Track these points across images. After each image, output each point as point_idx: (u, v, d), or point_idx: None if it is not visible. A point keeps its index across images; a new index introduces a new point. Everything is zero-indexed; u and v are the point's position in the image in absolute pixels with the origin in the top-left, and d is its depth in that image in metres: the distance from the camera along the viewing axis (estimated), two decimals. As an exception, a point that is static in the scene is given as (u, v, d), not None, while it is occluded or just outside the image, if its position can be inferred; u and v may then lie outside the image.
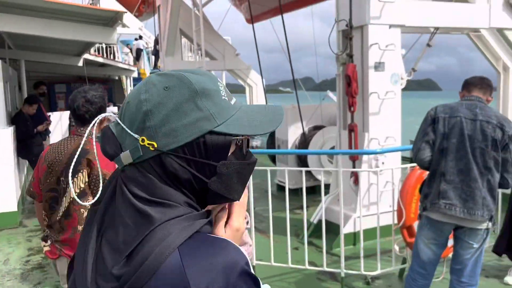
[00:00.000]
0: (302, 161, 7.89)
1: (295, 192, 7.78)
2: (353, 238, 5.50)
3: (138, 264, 0.78)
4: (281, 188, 8.04)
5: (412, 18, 5.51)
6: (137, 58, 18.90)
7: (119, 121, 0.88)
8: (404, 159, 7.37)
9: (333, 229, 5.38)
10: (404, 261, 4.36)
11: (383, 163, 5.40)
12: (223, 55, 12.07)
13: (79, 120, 2.60)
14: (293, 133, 8.02)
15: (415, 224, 3.83)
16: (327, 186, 6.20)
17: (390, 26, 5.39)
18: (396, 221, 4.16)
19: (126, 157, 0.86)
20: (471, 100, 3.05)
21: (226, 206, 0.94)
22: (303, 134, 7.76)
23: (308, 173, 7.53)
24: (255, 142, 12.56)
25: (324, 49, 6.93)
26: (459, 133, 2.96)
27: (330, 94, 8.37)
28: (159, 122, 0.84)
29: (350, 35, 5.30)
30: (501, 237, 4.11)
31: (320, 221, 5.84)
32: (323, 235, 4.62)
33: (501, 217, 4.33)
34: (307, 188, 7.38)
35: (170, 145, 0.84)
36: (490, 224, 2.99)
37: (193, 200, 0.88)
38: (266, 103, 9.25)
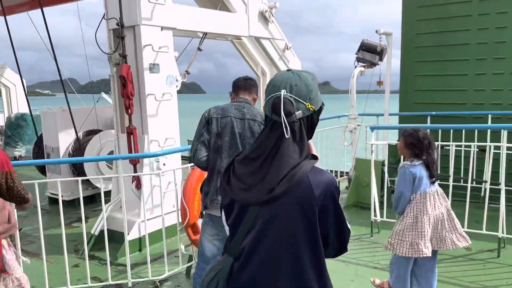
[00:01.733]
0: (78, 169, 7.24)
1: (72, 204, 7.10)
2: (139, 244, 5.34)
3: (293, 178, 1.52)
4: (54, 201, 7.19)
5: (183, 22, 5.69)
6: None
7: (290, 95, 1.57)
8: (184, 159, 7.59)
9: (117, 238, 5.11)
10: (190, 258, 4.47)
11: (164, 164, 5.41)
12: (-33, 50, 10.00)
13: None
14: (65, 139, 7.27)
15: (199, 222, 3.96)
16: (108, 194, 5.86)
17: (162, 28, 5.43)
18: (181, 221, 4.22)
19: (299, 114, 1.57)
20: (239, 101, 3.32)
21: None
22: (77, 139, 7.12)
23: (86, 181, 6.97)
24: (17, 152, 10.89)
25: (88, 49, 6.49)
26: (231, 131, 3.19)
27: (105, 95, 7.92)
28: (314, 95, 1.62)
29: (122, 34, 5.10)
30: None
31: (102, 232, 5.47)
32: (106, 246, 4.32)
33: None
34: (86, 198, 6.78)
35: (316, 107, 1.62)
36: None
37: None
38: (29, 105, 8.11)
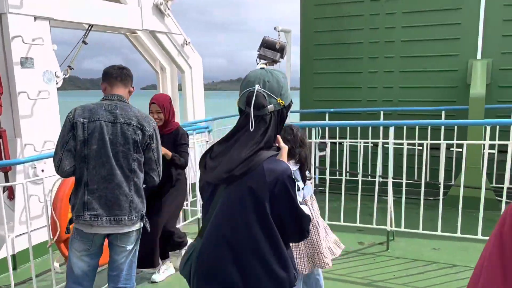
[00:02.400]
0: None
1: None
2: (13, 262, 4.71)
3: (251, 162, 1.68)
4: None
5: (62, 11, 5.11)
6: None
7: (263, 90, 1.74)
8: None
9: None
10: (68, 276, 4.00)
11: (43, 170, 4.83)
12: None
13: None
14: None
15: (72, 235, 3.52)
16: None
17: (36, 17, 4.83)
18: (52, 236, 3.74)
19: (271, 108, 1.74)
20: (111, 99, 2.93)
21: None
22: None
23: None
24: None
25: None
26: (100, 138, 2.78)
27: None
28: (285, 92, 1.79)
29: (-16, 23, 4.43)
30: None
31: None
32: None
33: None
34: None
35: (286, 103, 1.80)
36: (141, 223, 3.00)
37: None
38: None
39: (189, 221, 5.71)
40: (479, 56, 6.66)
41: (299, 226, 1.76)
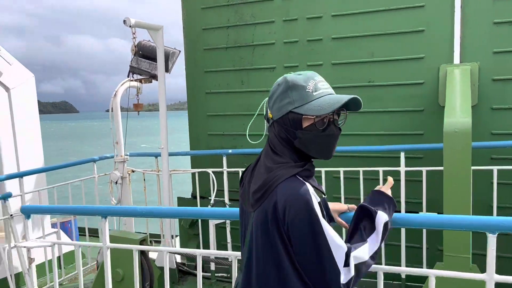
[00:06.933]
0: None
1: None
2: None
3: (265, 185, 1.47)
4: None
5: None
6: None
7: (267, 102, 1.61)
8: None
9: None
10: None
11: None
12: None
13: None
14: None
15: None
16: None
17: None
18: None
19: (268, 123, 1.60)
20: None
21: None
22: None
23: None
24: None
25: None
26: None
27: None
28: (273, 103, 1.55)
29: None
30: None
31: None
32: None
33: None
34: None
35: (276, 116, 1.54)
36: None
37: (297, 156, 1.52)
38: None
39: None
40: (456, 59, 4.03)
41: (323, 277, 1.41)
